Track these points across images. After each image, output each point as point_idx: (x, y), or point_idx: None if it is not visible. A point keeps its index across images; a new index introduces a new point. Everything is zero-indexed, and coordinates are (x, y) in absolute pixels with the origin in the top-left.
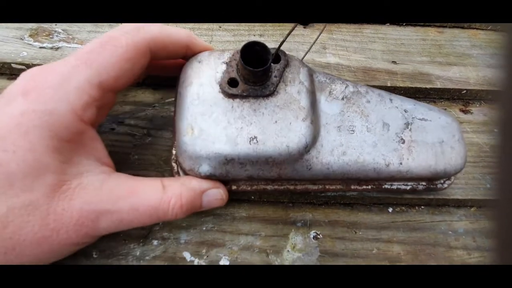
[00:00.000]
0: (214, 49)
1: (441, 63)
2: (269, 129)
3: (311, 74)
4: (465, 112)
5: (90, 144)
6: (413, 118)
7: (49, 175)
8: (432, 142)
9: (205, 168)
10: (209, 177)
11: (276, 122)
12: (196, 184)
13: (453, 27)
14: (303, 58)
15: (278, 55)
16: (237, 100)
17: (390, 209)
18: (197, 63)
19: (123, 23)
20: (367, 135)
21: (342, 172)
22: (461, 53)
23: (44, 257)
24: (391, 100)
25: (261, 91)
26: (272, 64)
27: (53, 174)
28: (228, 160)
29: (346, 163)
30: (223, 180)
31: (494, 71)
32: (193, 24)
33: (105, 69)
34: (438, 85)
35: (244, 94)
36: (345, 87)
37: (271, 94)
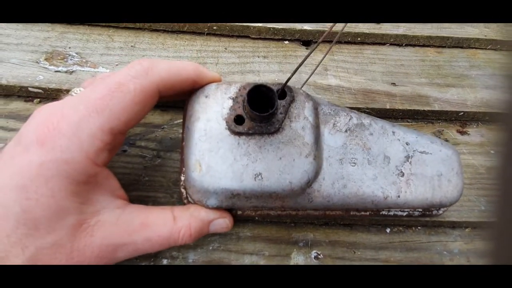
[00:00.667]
0: (221, 82)
1: (439, 84)
2: (273, 165)
3: (316, 107)
4: (462, 133)
5: (105, 182)
6: (414, 151)
7: (70, 217)
8: (431, 175)
9: (212, 202)
10: (216, 208)
11: (280, 158)
12: (204, 215)
13: (452, 47)
14: (305, 82)
15: (284, 91)
16: (243, 137)
17: (388, 230)
18: (204, 98)
19: (131, 62)
20: (368, 167)
21: (341, 204)
22: (459, 74)
23: None
24: (393, 132)
25: (266, 128)
26: (278, 100)
27: (73, 216)
28: (234, 195)
29: (346, 196)
30: (229, 209)
31: (491, 92)
32: (200, 45)
33: (115, 115)
34: (436, 107)
35: (250, 132)
36: (349, 119)
37: (276, 131)
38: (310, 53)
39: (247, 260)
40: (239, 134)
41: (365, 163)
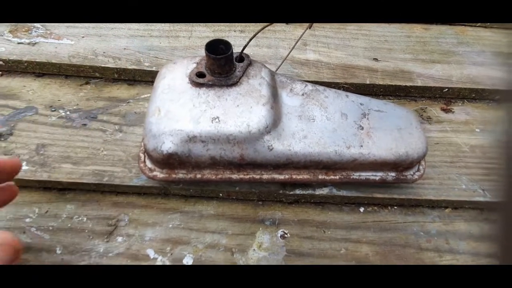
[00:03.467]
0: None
1: (424, 60)
2: (231, 111)
3: (272, 74)
4: (446, 111)
5: None
6: (369, 109)
7: None
8: (391, 128)
9: (167, 145)
10: (171, 155)
11: (238, 106)
12: None
13: (440, 23)
14: (286, 57)
15: (242, 56)
16: (204, 88)
17: (362, 209)
18: (172, 64)
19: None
20: (327, 123)
21: (304, 154)
22: (446, 50)
23: None
24: (347, 96)
25: (225, 81)
26: (236, 63)
27: None
28: (190, 138)
29: (307, 145)
30: (186, 162)
31: (479, 69)
32: None
33: None
34: (419, 83)
35: (210, 83)
36: (305, 86)
37: (235, 84)
38: (266, 26)
39: (208, 239)
40: (199, 85)
41: (324, 119)
